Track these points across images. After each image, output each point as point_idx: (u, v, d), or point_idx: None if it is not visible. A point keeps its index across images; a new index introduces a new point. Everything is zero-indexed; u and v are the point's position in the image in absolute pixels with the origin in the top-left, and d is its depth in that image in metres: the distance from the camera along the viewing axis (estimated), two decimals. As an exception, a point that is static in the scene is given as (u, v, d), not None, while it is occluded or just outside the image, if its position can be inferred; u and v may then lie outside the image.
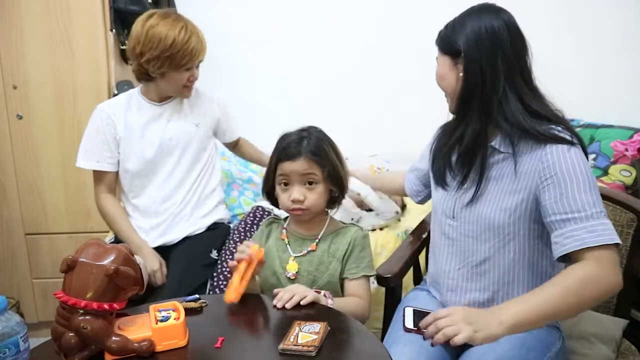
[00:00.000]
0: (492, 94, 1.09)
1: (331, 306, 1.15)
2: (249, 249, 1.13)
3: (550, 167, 1.03)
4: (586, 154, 1.07)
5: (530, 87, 1.12)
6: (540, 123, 1.07)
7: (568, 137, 1.05)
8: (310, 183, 1.22)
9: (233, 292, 1.08)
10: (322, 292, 1.21)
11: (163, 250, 1.60)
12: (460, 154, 1.18)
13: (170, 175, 1.62)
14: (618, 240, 0.97)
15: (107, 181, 1.64)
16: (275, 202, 1.31)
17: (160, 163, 1.61)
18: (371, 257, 1.30)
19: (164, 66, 1.51)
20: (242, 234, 1.66)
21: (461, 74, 1.12)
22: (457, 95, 1.14)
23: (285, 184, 1.24)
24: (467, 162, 1.16)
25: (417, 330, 1.10)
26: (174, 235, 1.63)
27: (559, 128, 1.07)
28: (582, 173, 1.01)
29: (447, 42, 1.15)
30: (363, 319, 1.21)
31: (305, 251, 1.28)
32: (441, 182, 1.26)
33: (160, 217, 1.63)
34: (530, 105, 1.09)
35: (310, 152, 1.21)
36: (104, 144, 1.59)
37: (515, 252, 1.12)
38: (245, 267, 1.12)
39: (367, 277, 1.28)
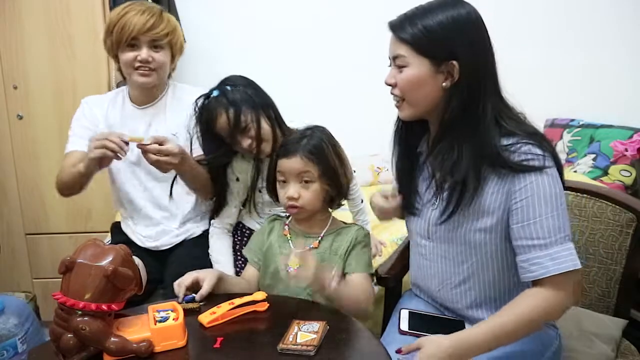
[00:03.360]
0: (480, 115, 1.00)
1: (335, 283, 1.10)
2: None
3: (522, 190, 1.00)
4: (560, 168, 1.03)
5: (504, 101, 1.04)
6: (510, 150, 1.00)
7: (538, 163, 0.98)
8: (306, 181, 1.23)
9: (210, 316, 1.03)
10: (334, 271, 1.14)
11: (159, 254, 1.58)
12: (449, 186, 1.06)
13: (157, 182, 1.58)
14: (579, 266, 0.98)
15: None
16: (277, 198, 1.31)
17: (145, 168, 1.55)
18: (371, 256, 1.30)
19: (111, 50, 1.50)
20: (235, 244, 1.64)
21: (445, 84, 1.01)
22: (448, 112, 1.02)
23: (283, 181, 1.25)
24: (457, 195, 1.05)
25: (413, 333, 1.10)
26: (169, 239, 1.60)
27: (530, 154, 0.99)
28: (551, 197, 0.98)
29: (429, 42, 1.00)
30: (366, 306, 1.18)
31: (308, 248, 1.28)
32: (409, 208, 1.19)
33: (154, 220, 1.60)
34: (505, 126, 1.02)
35: (307, 151, 1.21)
36: (85, 130, 1.54)
37: (495, 272, 1.09)
38: (240, 304, 1.07)
39: (368, 274, 1.27)
